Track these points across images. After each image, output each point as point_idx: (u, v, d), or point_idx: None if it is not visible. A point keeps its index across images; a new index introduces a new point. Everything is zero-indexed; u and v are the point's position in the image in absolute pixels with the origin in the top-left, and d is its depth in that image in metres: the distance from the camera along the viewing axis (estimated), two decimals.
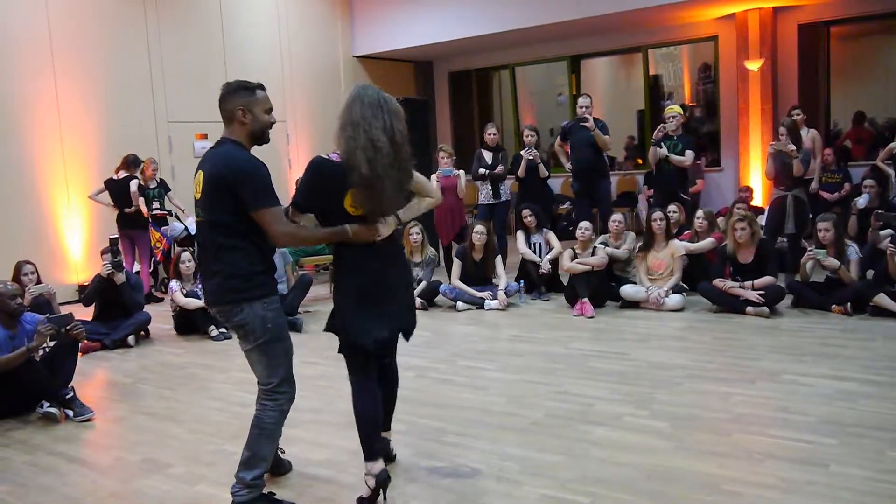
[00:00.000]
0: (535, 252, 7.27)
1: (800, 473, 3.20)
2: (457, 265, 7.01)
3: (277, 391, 3.16)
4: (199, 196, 3.04)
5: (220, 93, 3.07)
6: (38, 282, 6.08)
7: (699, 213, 7.03)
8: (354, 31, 12.02)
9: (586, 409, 4.13)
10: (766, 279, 6.05)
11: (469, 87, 13.69)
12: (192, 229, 8.96)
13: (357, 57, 12.09)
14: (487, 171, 8.01)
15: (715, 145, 11.12)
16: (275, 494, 3.20)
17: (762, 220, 7.21)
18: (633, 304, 6.53)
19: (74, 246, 8.65)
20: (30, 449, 4.11)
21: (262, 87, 3.11)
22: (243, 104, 3.02)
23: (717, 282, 6.20)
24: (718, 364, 4.82)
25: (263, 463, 3.14)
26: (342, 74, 11.84)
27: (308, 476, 3.51)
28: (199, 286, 6.61)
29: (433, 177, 7.73)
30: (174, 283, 6.58)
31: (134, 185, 8.16)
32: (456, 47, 11.92)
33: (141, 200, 8.24)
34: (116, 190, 8.22)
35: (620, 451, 3.55)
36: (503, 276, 6.95)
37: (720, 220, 7.50)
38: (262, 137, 3.10)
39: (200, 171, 3.03)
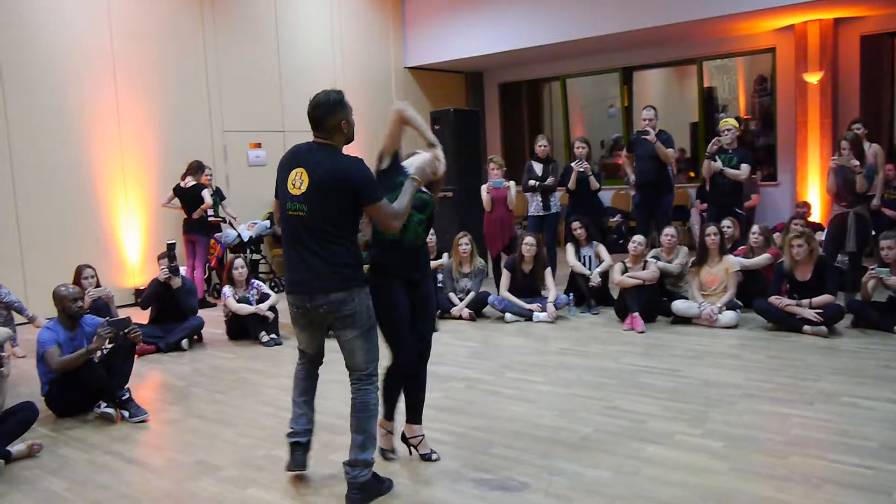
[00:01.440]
0: (584, 265, 7.21)
1: (860, 500, 3.09)
2: (506, 276, 6.99)
3: (375, 374, 3.42)
4: (300, 192, 3.25)
5: (316, 103, 3.40)
6: (98, 285, 6.26)
7: (755, 228, 6.88)
8: (406, 43, 12.12)
9: (637, 426, 4.07)
10: (824, 297, 5.89)
11: (519, 99, 13.67)
12: (245, 236, 9.13)
13: (409, 68, 12.18)
14: (538, 183, 7.98)
15: (771, 159, 10.89)
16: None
17: (821, 236, 7.03)
18: (685, 320, 6.41)
19: (132, 251, 8.87)
20: (87, 448, 4.22)
21: None
22: (345, 117, 3.38)
23: (774, 299, 6.05)
24: (775, 384, 4.69)
25: (374, 441, 3.41)
26: (394, 85, 11.95)
27: None
28: (252, 293, 6.72)
29: (483, 188, 7.73)
30: (227, 289, 6.69)
31: (207, 193, 8.37)
32: (507, 59, 11.92)
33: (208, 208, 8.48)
34: (185, 196, 8.44)
35: (673, 470, 3.48)
36: (552, 289, 6.91)
37: (776, 235, 7.33)
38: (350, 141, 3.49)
39: (303, 170, 3.28)
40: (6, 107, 7.82)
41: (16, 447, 4.06)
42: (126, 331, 4.81)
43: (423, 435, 3.76)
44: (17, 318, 6.54)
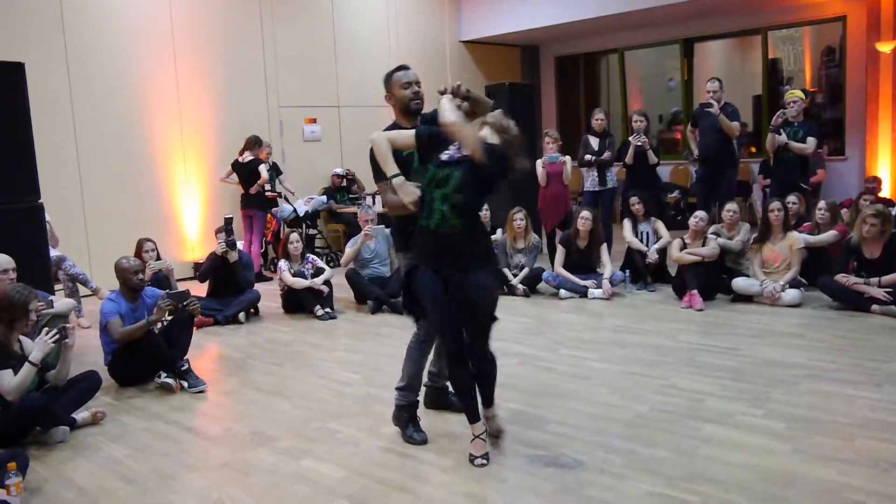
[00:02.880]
0: (642, 241, 7.06)
1: None
2: (560, 252, 6.90)
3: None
4: None
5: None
6: (158, 258, 6.39)
7: (821, 204, 6.61)
8: (461, 16, 11.99)
9: (695, 405, 3.97)
10: (894, 276, 5.65)
11: (576, 72, 13.42)
12: (301, 211, 9.21)
13: (463, 42, 12.06)
14: (594, 158, 7.83)
15: (839, 133, 10.47)
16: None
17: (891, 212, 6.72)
18: (746, 299, 6.23)
19: (191, 225, 9.05)
20: (148, 416, 4.32)
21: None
22: (388, 91, 3.66)
23: (840, 277, 5.83)
24: (840, 364, 4.53)
25: (406, 377, 3.71)
26: (448, 59, 11.85)
27: (408, 457, 3.52)
28: (307, 267, 6.78)
29: (538, 162, 7.62)
30: (282, 263, 6.76)
31: (263, 168, 8.47)
32: (563, 31, 11.69)
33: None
34: (243, 171, 8.56)
35: (732, 450, 3.39)
36: (608, 265, 6.79)
37: (843, 211, 7.05)
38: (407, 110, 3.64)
39: None
40: (71, 86, 8.00)
41: (80, 415, 4.18)
42: (185, 303, 4.90)
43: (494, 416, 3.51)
44: (82, 290, 6.74)
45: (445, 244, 3.21)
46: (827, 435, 3.52)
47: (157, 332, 4.91)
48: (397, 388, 3.75)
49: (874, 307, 5.62)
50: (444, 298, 3.26)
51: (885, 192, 8.93)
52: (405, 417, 3.72)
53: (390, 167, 3.28)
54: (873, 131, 9.49)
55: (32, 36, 7.67)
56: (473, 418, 3.40)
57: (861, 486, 2.99)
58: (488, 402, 3.46)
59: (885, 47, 9.28)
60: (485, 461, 3.36)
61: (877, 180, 8.86)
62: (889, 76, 9.31)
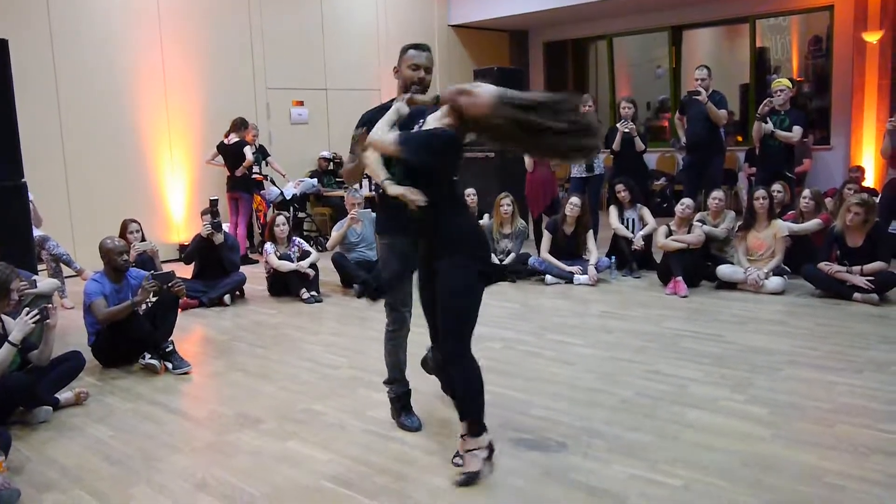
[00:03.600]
0: (628, 228, 7.09)
1: None
2: (547, 238, 6.91)
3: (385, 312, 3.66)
4: None
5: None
6: (143, 239, 6.34)
7: (806, 192, 6.66)
8: (451, 0, 11.92)
9: (679, 391, 4.00)
10: (876, 264, 5.70)
11: (565, 58, 13.40)
12: (288, 194, 9.17)
13: (452, 26, 12.00)
14: None
15: (824, 122, 10.52)
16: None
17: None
18: (730, 286, 6.28)
19: (176, 207, 8.98)
20: (132, 397, 4.31)
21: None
22: (398, 65, 3.54)
23: (823, 265, 5.88)
24: (822, 352, 4.58)
25: (387, 370, 3.71)
26: (437, 43, 11.77)
27: (393, 439, 3.53)
28: (293, 250, 6.76)
29: None
30: (269, 246, 6.74)
31: (249, 150, 8.41)
32: (552, 17, 11.66)
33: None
34: (228, 153, 8.50)
35: (715, 435, 3.42)
36: (594, 251, 6.81)
37: (828, 200, 7.10)
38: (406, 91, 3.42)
39: None
40: (55, 64, 7.90)
41: (63, 395, 4.16)
42: (170, 284, 4.87)
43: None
44: (66, 271, 6.69)
45: (416, 223, 3.07)
46: (808, 421, 3.56)
47: (141, 313, 4.89)
48: (385, 383, 3.74)
49: (856, 295, 5.68)
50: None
51: (868, 182, 9.00)
52: (398, 407, 3.71)
53: (382, 174, 3.09)
54: (858, 121, 9.56)
55: (16, 11, 7.56)
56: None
57: (841, 471, 3.03)
58: (459, 414, 3.13)
59: (871, 37, 9.32)
60: (460, 462, 3.13)
61: (860, 170, 8.93)
62: (875, 66, 9.36)
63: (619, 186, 7.16)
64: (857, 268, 5.75)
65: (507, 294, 6.49)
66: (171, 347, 4.77)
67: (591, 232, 6.89)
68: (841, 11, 9.94)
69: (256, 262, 8.35)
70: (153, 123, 8.72)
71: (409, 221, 3.10)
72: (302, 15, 10.02)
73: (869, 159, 9.32)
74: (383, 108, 3.30)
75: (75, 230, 7.99)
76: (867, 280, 5.66)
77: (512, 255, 7.03)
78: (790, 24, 11.61)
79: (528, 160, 7.60)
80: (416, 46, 3.48)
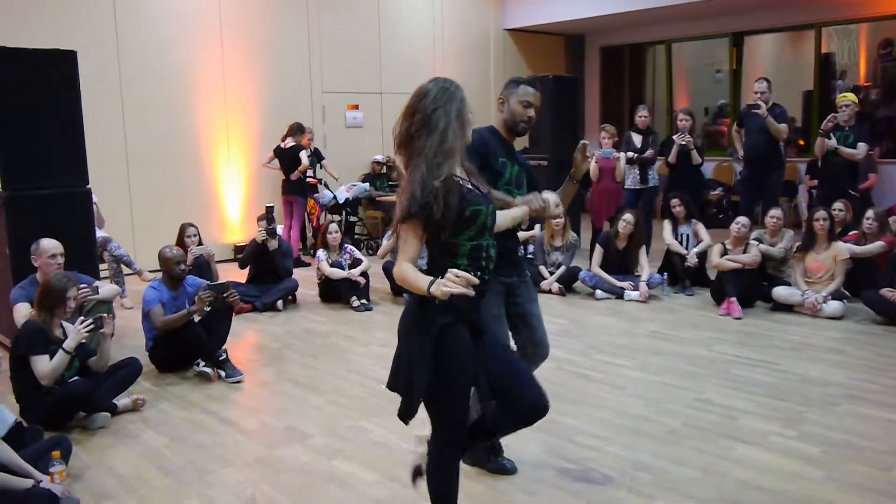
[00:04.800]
0: (682, 244, 6.98)
1: None
2: (598, 252, 6.85)
3: None
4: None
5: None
6: (200, 243, 6.50)
7: (869, 212, 6.45)
8: (506, 4, 11.88)
9: (729, 423, 3.94)
10: None
11: (621, 64, 13.23)
12: (341, 198, 9.28)
13: (508, 30, 11.97)
14: (636, 155, 7.74)
15: (892, 133, 10.17)
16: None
17: None
18: (786, 308, 6.13)
19: (233, 209, 9.18)
20: (186, 405, 4.43)
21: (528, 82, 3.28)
22: (503, 95, 3.31)
23: (885, 291, 5.70)
24: (881, 385, 4.45)
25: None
26: (492, 47, 11.77)
27: None
28: (345, 257, 6.85)
29: (591, 157, 7.55)
30: (321, 253, 6.83)
31: (304, 155, 8.55)
32: (610, 21, 11.53)
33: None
34: (284, 157, 8.64)
35: (764, 473, 3.36)
36: (646, 267, 6.73)
37: (892, 219, 6.87)
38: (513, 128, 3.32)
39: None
40: (120, 71, 8.16)
41: (122, 401, 4.30)
42: (225, 295, 4.99)
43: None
44: (126, 270, 6.89)
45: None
46: (862, 462, 3.47)
47: (196, 320, 5.02)
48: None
49: None
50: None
51: None
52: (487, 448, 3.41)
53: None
54: None
55: (85, 23, 7.83)
56: None
57: None
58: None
59: None
60: None
61: None
62: None
63: (675, 201, 7.05)
64: None
65: (556, 308, 6.46)
66: (224, 356, 4.88)
67: (643, 248, 6.81)
68: None
69: (308, 265, 8.48)
70: (212, 125, 8.92)
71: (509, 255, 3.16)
72: (358, 18, 10.12)
73: None
74: (489, 132, 3.31)
75: (136, 231, 8.23)
76: None
77: (563, 268, 7.00)
78: (859, 28, 11.26)
79: (593, 169, 7.55)
80: (529, 83, 3.30)
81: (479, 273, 2.44)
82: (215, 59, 8.85)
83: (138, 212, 8.36)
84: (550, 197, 2.91)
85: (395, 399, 4.36)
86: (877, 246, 6.23)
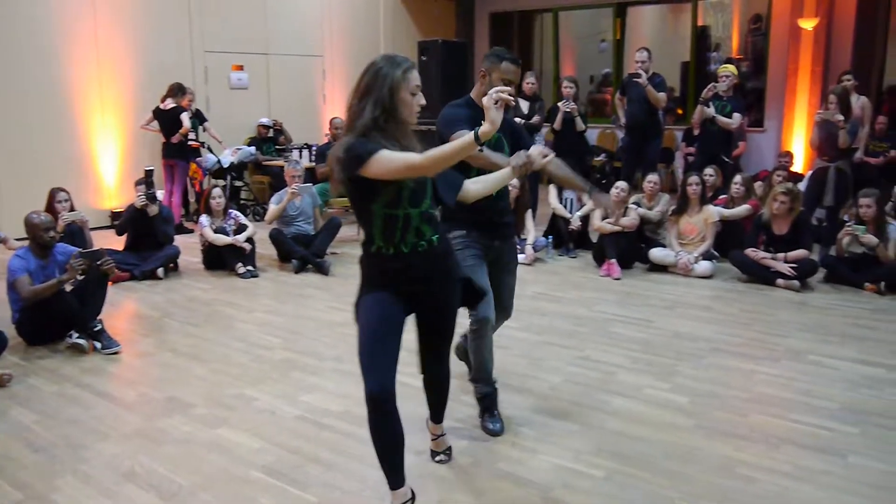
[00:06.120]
0: (566, 207, 7.18)
1: (816, 462, 3.18)
2: None
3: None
4: None
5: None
6: (72, 209, 6.13)
7: (737, 178, 6.85)
8: None
9: (607, 378, 4.12)
10: (799, 252, 5.94)
11: (510, 30, 13.34)
12: (226, 162, 8.98)
13: None
14: (523, 122, 7.86)
15: (759, 104, 10.78)
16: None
17: (801, 186, 7.02)
18: (662, 268, 6.45)
19: (108, 173, 8.72)
20: (58, 379, 4.22)
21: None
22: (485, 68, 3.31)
23: (750, 251, 6.09)
24: (744, 339, 4.76)
25: (472, 370, 3.55)
26: (381, 11, 11.59)
27: (324, 427, 3.55)
28: (229, 223, 6.65)
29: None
30: (204, 219, 6.61)
31: (186, 117, 8.17)
32: None
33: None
34: (164, 119, 8.24)
35: (638, 424, 3.55)
36: (532, 231, 6.89)
37: (757, 185, 7.31)
38: None
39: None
40: None
41: None
42: (99, 262, 4.74)
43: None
44: None
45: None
46: (726, 410, 3.71)
47: (68, 290, 4.76)
48: (470, 381, 3.61)
49: (779, 281, 5.91)
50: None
51: (797, 167, 9.28)
52: (481, 408, 3.56)
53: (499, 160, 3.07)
54: (791, 106, 9.82)
55: None
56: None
57: (753, 462, 3.18)
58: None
59: (807, 24, 9.54)
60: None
61: (789, 155, 9.20)
62: (809, 53, 9.60)
63: None
64: (781, 255, 5.96)
65: None
66: (99, 326, 4.66)
67: (529, 212, 6.96)
68: None
69: (191, 231, 8.19)
70: (83, 84, 8.40)
71: (494, 214, 3.36)
72: None
73: (799, 144, 9.61)
74: (466, 106, 3.35)
75: (2, 198, 7.69)
76: (790, 267, 5.89)
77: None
78: (732, 2, 11.81)
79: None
80: (513, 60, 3.29)
81: (392, 250, 2.61)
82: (86, 15, 8.30)
83: (3, 176, 7.80)
84: (533, 151, 2.92)
85: (281, 366, 4.33)
86: (743, 209, 6.62)
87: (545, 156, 2.91)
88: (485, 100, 2.39)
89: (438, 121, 3.35)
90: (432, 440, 3.27)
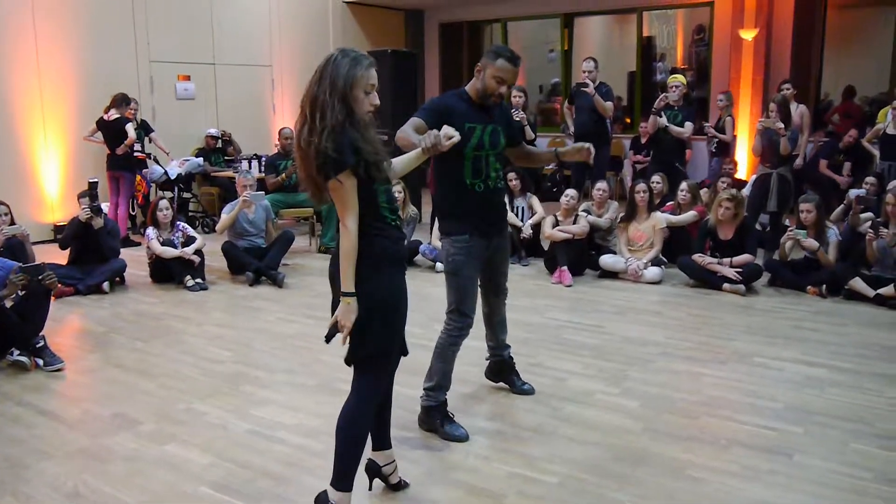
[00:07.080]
0: (517, 216, 7.24)
1: (763, 462, 3.25)
2: (436, 225, 6.96)
3: (448, 316, 3.58)
4: None
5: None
6: (12, 223, 5.94)
7: (683, 185, 7.00)
8: None
9: (558, 384, 4.16)
10: (744, 257, 6.08)
11: (460, 40, 13.44)
12: (173, 173, 8.83)
13: (347, 3, 11.80)
14: None
15: (703, 113, 11.03)
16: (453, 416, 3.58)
17: (745, 192, 7.19)
18: (612, 275, 6.54)
19: (51, 185, 8.50)
20: None
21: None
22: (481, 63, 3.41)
23: (696, 257, 6.22)
24: (692, 342, 4.86)
25: (436, 376, 3.57)
26: (331, 21, 11.57)
27: (276, 440, 3.51)
28: (177, 235, 6.54)
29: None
30: (151, 231, 6.49)
31: (131, 128, 8.01)
32: None
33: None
34: (108, 130, 8.06)
35: (590, 429, 3.58)
36: None
37: (703, 191, 7.48)
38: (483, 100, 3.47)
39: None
40: None
41: None
42: (41, 277, 4.61)
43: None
44: None
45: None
46: (675, 413, 3.78)
47: (8, 306, 4.61)
48: (425, 389, 3.59)
49: (725, 285, 6.04)
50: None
51: (740, 174, 9.51)
52: (439, 417, 3.54)
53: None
54: (734, 114, 10.05)
55: None
56: None
57: (702, 464, 3.24)
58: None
59: (747, 34, 9.82)
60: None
61: (733, 162, 9.43)
62: (750, 62, 9.88)
63: (511, 175, 7.26)
64: (727, 259, 6.10)
65: None
66: (41, 343, 4.53)
67: None
68: (720, 8, 10.43)
69: (138, 244, 8.03)
70: (24, 94, 8.19)
71: (496, 218, 3.58)
72: None
73: (742, 152, 9.86)
74: (457, 97, 3.45)
75: None
76: (736, 271, 6.03)
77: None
78: (676, 13, 12.08)
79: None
80: (511, 59, 3.32)
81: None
82: (25, 25, 8.09)
83: None
84: (443, 132, 2.79)
85: (232, 379, 4.27)
86: (689, 216, 6.77)
87: (450, 137, 2.79)
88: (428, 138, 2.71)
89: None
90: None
